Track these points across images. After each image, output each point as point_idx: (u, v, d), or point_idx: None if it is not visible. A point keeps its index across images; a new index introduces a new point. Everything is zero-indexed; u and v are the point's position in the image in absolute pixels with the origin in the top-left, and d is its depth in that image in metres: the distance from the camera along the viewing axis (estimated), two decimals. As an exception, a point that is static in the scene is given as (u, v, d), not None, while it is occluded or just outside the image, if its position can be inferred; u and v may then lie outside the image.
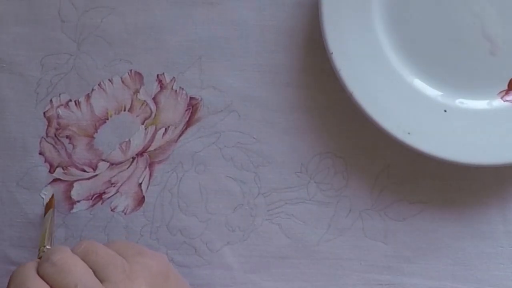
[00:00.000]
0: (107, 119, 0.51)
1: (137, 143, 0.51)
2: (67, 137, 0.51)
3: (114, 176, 0.51)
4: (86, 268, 0.42)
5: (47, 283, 0.40)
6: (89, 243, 0.44)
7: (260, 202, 0.51)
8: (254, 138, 0.51)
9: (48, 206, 0.51)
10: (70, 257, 0.42)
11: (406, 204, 0.51)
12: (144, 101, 0.51)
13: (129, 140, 0.51)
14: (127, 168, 0.51)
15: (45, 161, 0.52)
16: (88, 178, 0.52)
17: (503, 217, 0.50)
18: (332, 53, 0.48)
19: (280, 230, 0.51)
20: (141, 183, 0.51)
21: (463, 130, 0.48)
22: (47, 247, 0.46)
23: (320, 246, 0.51)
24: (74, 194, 0.52)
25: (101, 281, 0.41)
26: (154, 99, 0.51)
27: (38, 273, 0.41)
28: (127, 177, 0.51)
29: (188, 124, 0.51)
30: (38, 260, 0.42)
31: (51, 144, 0.51)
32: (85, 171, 0.51)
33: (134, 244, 0.48)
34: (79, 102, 0.51)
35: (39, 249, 0.46)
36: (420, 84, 0.49)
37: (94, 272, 0.42)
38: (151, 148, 0.51)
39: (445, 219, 0.51)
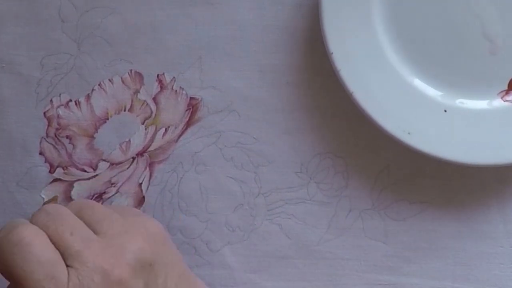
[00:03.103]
0: (107, 119, 0.51)
1: (137, 143, 0.51)
2: (67, 137, 0.51)
3: (114, 176, 0.51)
4: (78, 219, 0.41)
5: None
6: (83, 200, 0.44)
7: (260, 202, 0.51)
8: (254, 138, 0.51)
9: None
10: (64, 208, 0.41)
11: (406, 204, 0.51)
12: (144, 101, 0.51)
13: (129, 140, 0.51)
14: (127, 168, 0.51)
15: (45, 161, 0.52)
16: (88, 178, 0.52)
17: (503, 217, 0.50)
18: (332, 53, 0.48)
19: (280, 230, 0.51)
20: (141, 183, 0.51)
21: (463, 130, 0.48)
22: None
23: (320, 246, 0.51)
24: (74, 194, 0.52)
25: (97, 233, 0.40)
26: (154, 99, 0.51)
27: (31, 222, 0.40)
28: (127, 177, 0.51)
29: (188, 124, 0.51)
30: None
31: (51, 144, 0.52)
32: (85, 171, 0.51)
33: (132, 208, 0.47)
34: (79, 102, 0.51)
35: None
36: (420, 84, 0.49)
37: (90, 225, 0.41)
38: (151, 148, 0.51)
39: (445, 219, 0.51)
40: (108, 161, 0.51)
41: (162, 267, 0.41)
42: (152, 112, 0.51)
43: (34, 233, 0.39)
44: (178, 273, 0.42)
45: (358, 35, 0.48)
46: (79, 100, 0.51)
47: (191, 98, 0.51)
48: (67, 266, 0.39)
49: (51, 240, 0.39)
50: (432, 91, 0.49)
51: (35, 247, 0.38)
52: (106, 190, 0.51)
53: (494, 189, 0.50)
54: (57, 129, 0.51)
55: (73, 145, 0.51)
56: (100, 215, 0.42)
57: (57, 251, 0.39)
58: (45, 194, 0.52)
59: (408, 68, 0.49)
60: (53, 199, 0.51)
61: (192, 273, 0.45)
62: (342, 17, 0.48)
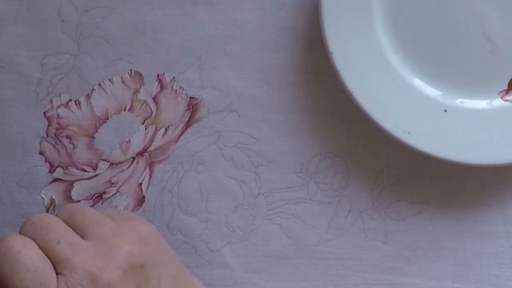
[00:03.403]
0: (107, 119, 0.51)
1: (137, 143, 0.51)
2: (67, 137, 0.51)
3: (114, 176, 0.51)
4: (66, 226, 0.41)
5: None
6: (74, 205, 0.44)
7: (260, 202, 0.51)
8: (254, 138, 0.51)
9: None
10: (49, 217, 0.41)
11: (406, 204, 0.51)
12: (144, 101, 0.51)
13: (129, 140, 0.51)
14: (127, 168, 0.51)
15: (45, 161, 0.52)
16: (88, 178, 0.52)
17: (503, 217, 0.50)
18: (332, 53, 0.48)
19: (280, 230, 0.51)
20: (141, 183, 0.51)
21: (463, 130, 0.48)
22: None
23: (320, 246, 0.51)
24: (74, 194, 0.52)
25: (86, 238, 0.41)
26: (154, 99, 0.51)
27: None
28: (127, 177, 0.51)
29: (188, 124, 0.51)
30: None
31: (51, 144, 0.51)
32: (85, 171, 0.51)
33: (125, 211, 0.47)
34: (79, 102, 0.51)
35: None
36: (420, 84, 0.49)
37: (79, 230, 0.41)
38: (151, 148, 0.51)
39: (445, 219, 0.51)
40: (108, 161, 0.51)
41: (155, 269, 0.41)
42: (152, 112, 0.51)
43: (22, 242, 0.39)
44: (173, 274, 0.42)
45: (358, 35, 0.48)
46: (79, 100, 0.51)
47: (191, 98, 0.51)
48: (57, 274, 0.39)
49: (41, 250, 0.40)
50: (432, 91, 0.49)
51: (24, 256, 0.39)
52: (106, 190, 0.51)
53: (494, 189, 0.50)
54: (57, 129, 0.51)
55: (73, 145, 0.51)
56: (90, 219, 0.42)
57: (46, 260, 0.39)
58: (45, 194, 0.52)
59: (408, 68, 0.49)
60: (51, 203, 0.51)
61: (189, 273, 0.45)
62: (342, 17, 0.48)
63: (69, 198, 0.52)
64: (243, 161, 0.51)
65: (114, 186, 0.51)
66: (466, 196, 0.51)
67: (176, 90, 0.51)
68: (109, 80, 0.51)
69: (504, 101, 0.49)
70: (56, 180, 0.52)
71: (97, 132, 0.51)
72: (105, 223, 0.42)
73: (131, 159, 0.51)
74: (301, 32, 0.51)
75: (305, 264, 0.51)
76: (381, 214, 0.51)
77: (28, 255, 0.39)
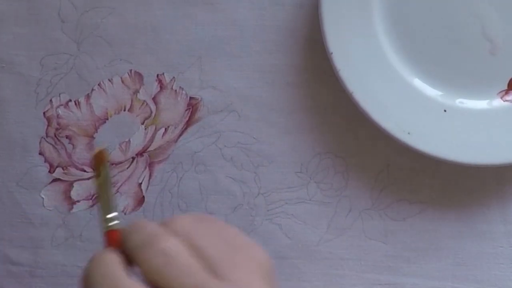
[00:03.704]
0: (107, 119, 0.51)
1: (137, 143, 0.51)
2: (67, 137, 0.51)
3: (114, 176, 0.51)
4: (193, 260, 0.33)
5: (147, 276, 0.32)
6: (188, 225, 0.35)
7: (260, 202, 0.51)
8: (254, 138, 0.51)
9: (99, 160, 0.38)
10: (174, 244, 0.33)
11: (406, 204, 0.51)
12: (144, 101, 0.51)
13: (129, 140, 0.51)
14: (127, 168, 0.51)
15: (45, 161, 0.52)
16: (88, 178, 0.52)
17: (503, 217, 0.50)
18: (332, 53, 0.48)
19: (280, 230, 0.51)
20: (141, 183, 0.51)
21: (463, 130, 0.48)
22: (114, 214, 0.36)
23: (320, 246, 0.51)
24: (74, 194, 0.52)
25: (221, 280, 0.33)
26: (154, 99, 0.51)
27: (135, 260, 0.33)
28: (127, 177, 0.51)
29: (188, 124, 0.51)
30: (113, 248, 0.34)
31: (51, 144, 0.52)
32: (85, 171, 0.52)
33: (237, 232, 0.39)
34: (79, 102, 0.51)
35: (104, 220, 0.36)
36: (420, 84, 0.49)
37: (211, 266, 0.34)
38: (151, 148, 0.51)
39: (445, 219, 0.51)
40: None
41: None
42: (151, 112, 0.51)
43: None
44: None
45: (358, 35, 0.48)
46: (79, 100, 0.51)
47: (191, 98, 0.51)
48: None
49: None
50: (432, 91, 0.49)
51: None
52: (106, 190, 0.51)
53: (494, 189, 0.50)
54: (56, 129, 0.51)
55: (73, 145, 0.51)
56: (213, 250, 0.34)
57: None
58: (45, 194, 0.52)
59: (408, 68, 0.49)
60: (101, 154, 0.39)
61: None
62: (342, 17, 0.48)
63: (69, 198, 0.52)
64: (243, 161, 0.51)
65: (114, 186, 0.51)
66: (466, 196, 0.51)
67: (176, 90, 0.51)
68: (109, 80, 0.51)
69: (504, 101, 0.49)
70: (56, 180, 0.52)
71: (96, 132, 0.51)
72: (230, 257, 0.35)
73: (131, 159, 0.51)
74: (301, 32, 0.51)
75: (305, 264, 0.51)
76: (381, 214, 0.51)
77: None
